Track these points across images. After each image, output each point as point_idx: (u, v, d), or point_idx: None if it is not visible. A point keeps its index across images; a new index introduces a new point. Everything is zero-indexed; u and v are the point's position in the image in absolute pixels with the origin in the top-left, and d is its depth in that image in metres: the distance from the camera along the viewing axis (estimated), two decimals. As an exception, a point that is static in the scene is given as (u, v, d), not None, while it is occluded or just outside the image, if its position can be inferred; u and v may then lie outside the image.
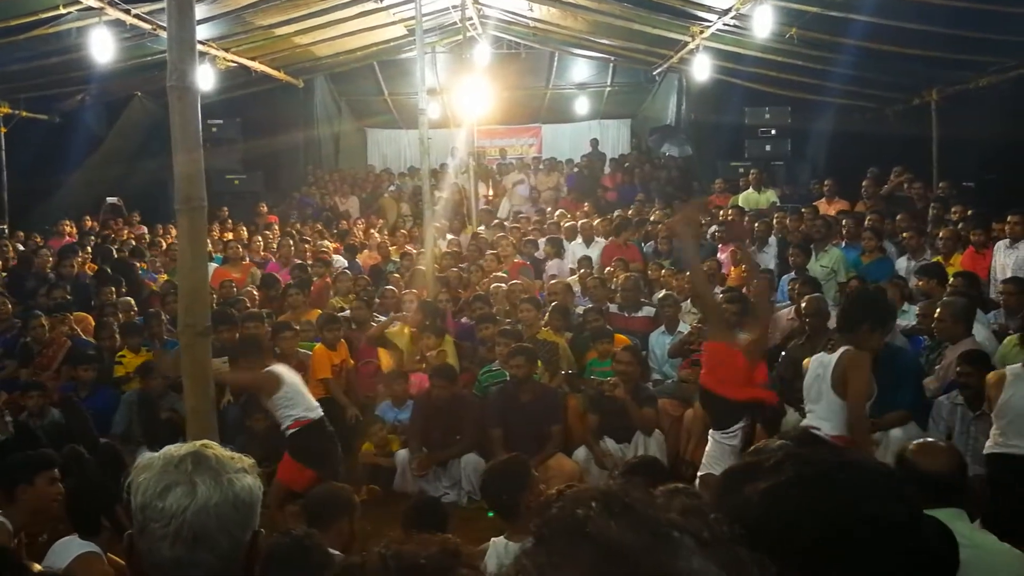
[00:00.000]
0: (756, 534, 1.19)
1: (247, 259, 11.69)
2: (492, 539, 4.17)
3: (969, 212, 9.89)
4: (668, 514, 0.88)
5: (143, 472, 1.63)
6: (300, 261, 11.23)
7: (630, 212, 14.05)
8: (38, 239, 12.80)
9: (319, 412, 6.17)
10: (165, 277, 11.03)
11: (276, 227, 14.52)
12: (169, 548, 1.58)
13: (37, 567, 3.45)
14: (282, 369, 6.25)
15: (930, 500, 3.09)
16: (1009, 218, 8.57)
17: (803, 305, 7.62)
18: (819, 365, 5.14)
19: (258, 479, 1.70)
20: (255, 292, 9.90)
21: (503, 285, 9.61)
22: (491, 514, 4.72)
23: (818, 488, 1.19)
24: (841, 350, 5.00)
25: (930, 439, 3.68)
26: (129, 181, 15.87)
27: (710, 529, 0.88)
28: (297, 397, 6.09)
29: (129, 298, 9.41)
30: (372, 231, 14.59)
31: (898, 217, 10.37)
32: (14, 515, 4.35)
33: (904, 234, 9.61)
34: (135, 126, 15.47)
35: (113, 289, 9.68)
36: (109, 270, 10.76)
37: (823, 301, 7.71)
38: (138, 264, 11.59)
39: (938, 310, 6.73)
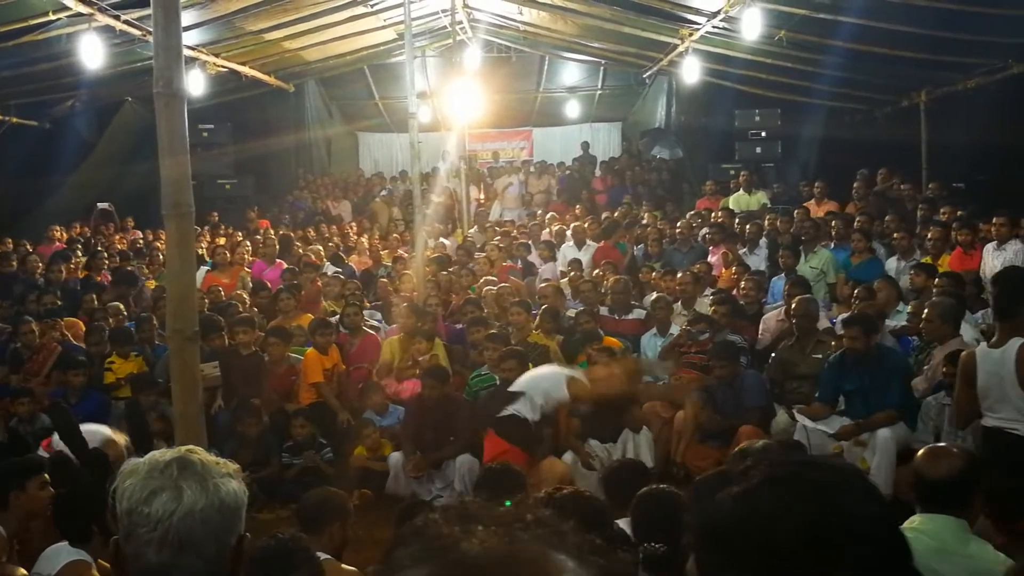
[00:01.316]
0: (730, 538, 1.21)
1: (236, 264, 11.68)
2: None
3: (959, 213, 9.94)
4: (497, 511, 0.93)
5: (128, 477, 1.64)
6: (290, 265, 11.23)
7: (616, 214, 14.10)
8: (27, 245, 12.78)
9: None
10: (153, 283, 11.02)
11: (270, 231, 14.51)
12: (156, 553, 1.59)
13: (23, 572, 3.45)
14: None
15: (936, 505, 3.10)
16: (995, 220, 8.64)
17: (792, 306, 7.66)
18: (991, 363, 4.82)
19: (242, 484, 1.72)
20: (245, 295, 9.90)
21: (493, 288, 9.64)
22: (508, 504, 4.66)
23: (789, 488, 1.21)
24: (1016, 343, 4.70)
25: (942, 443, 3.65)
26: (120, 186, 15.84)
27: (533, 513, 0.93)
28: None
29: (118, 303, 9.41)
30: (362, 236, 14.58)
31: (887, 218, 10.42)
32: (8, 521, 4.35)
33: (895, 235, 9.65)
34: (126, 131, 15.44)
35: (95, 296, 9.66)
36: (113, 278, 10.75)
37: (812, 302, 7.75)
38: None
39: (926, 310, 6.77)
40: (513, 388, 6.39)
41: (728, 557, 1.20)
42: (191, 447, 1.74)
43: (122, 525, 1.62)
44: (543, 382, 6.35)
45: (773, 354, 7.78)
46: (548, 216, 14.84)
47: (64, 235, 13.64)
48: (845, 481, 1.23)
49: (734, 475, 1.26)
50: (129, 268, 11.25)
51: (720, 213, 12.42)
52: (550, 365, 6.96)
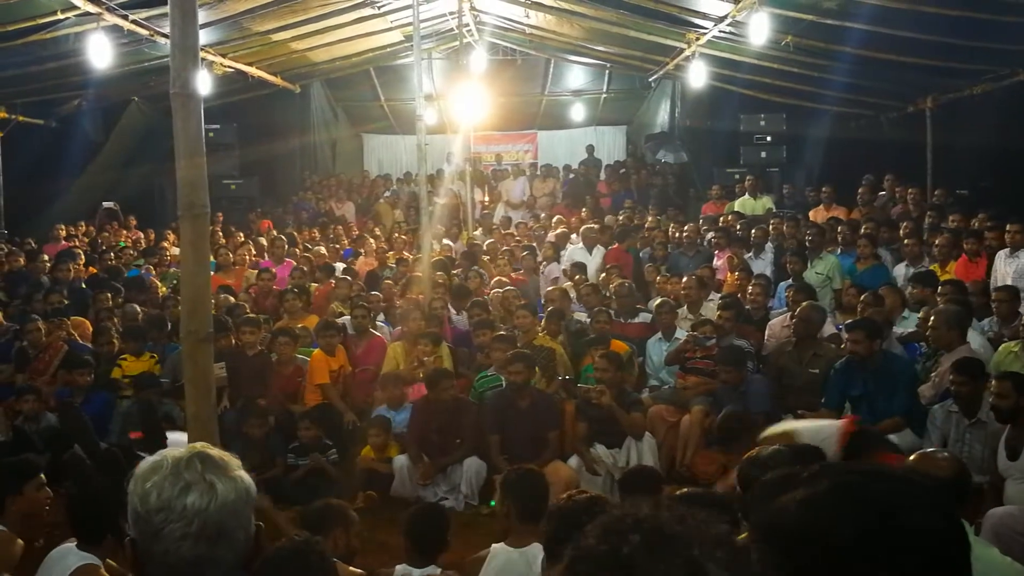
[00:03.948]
0: (793, 542, 1.22)
1: (239, 265, 11.71)
2: (492, 545, 4.18)
3: (975, 220, 9.90)
4: (704, 547, 0.90)
5: (151, 476, 1.66)
6: (297, 265, 11.24)
7: (621, 218, 14.10)
8: (32, 243, 12.79)
9: None
10: (158, 283, 11.03)
11: (272, 232, 14.52)
12: (191, 547, 1.61)
13: None
14: None
15: None
16: (1008, 227, 8.60)
17: (797, 309, 7.66)
18: None
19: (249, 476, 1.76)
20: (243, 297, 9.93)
21: (499, 291, 9.66)
22: (492, 504, 4.60)
23: (855, 496, 1.22)
24: None
25: (930, 449, 3.71)
26: (125, 186, 15.88)
27: (738, 560, 0.91)
28: None
29: (135, 304, 9.42)
30: (367, 237, 14.54)
31: (903, 224, 10.38)
32: (7, 524, 4.35)
33: (906, 241, 9.64)
34: (133, 131, 15.47)
35: (109, 295, 9.67)
36: (105, 275, 10.79)
37: (816, 309, 7.72)
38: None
39: (931, 318, 6.76)
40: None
41: (789, 560, 1.21)
42: (203, 444, 1.79)
43: (149, 523, 1.63)
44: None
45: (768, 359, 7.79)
46: (555, 219, 14.84)
47: (66, 233, 13.66)
48: (911, 493, 1.24)
49: (801, 479, 1.27)
50: (112, 264, 11.35)
51: (730, 217, 12.43)
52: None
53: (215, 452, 1.73)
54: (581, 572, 0.89)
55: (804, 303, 7.67)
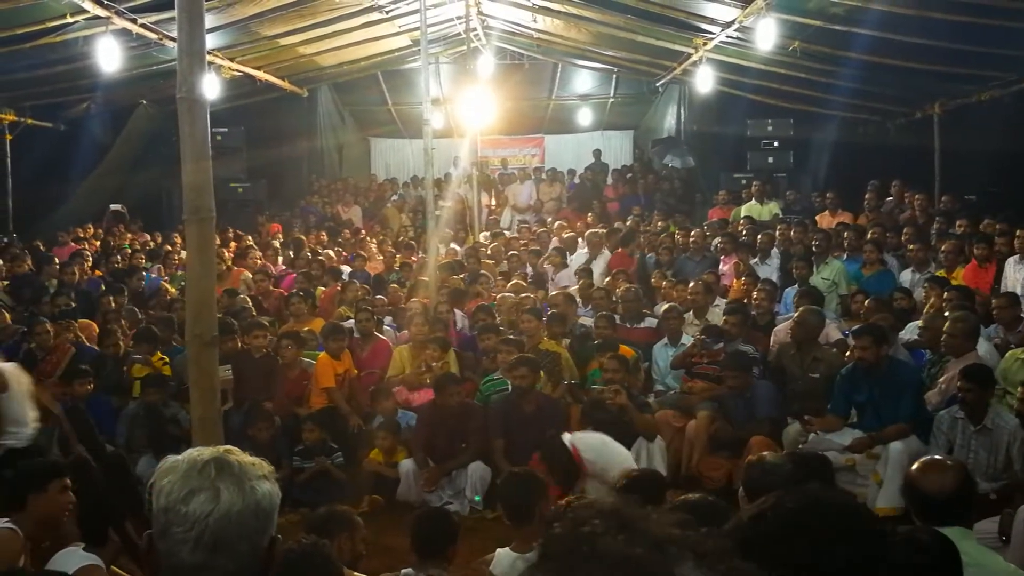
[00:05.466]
0: (746, 554, 1.23)
1: (234, 268, 11.73)
2: (497, 550, 4.18)
3: (989, 223, 9.88)
4: (666, 529, 0.91)
5: (167, 475, 1.66)
6: (305, 270, 11.26)
7: (628, 222, 14.10)
8: (41, 246, 12.83)
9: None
10: (167, 285, 11.05)
11: (279, 236, 14.55)
12: (190, 553, 1.60)
13: None
14: (11, 369, 5.47)
15: (936, 518, 3.09)
16: (1019, 232, 8.57)
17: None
18: None
19: (275, 485, 1.73)
20: (247, 298, 9.93)
21: (510, 295, 9.66)
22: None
23: (835, 503, 1.23)
24: None
25: (937, 456, 3.67)
26: (132, 189, 15.94)
27: (705, 542, 0.92)
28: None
29: (133, 307, 9.43)
30: (371, 240, 14.55)
31: (905, 230, 10.37)
32: (23, 522, 4.35)
33: (911, 246, 9.62)
34: (140, 134, 15.54)
35: (112, 298, 9.68)
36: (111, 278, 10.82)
37: (813, 313, 7.68)
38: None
39: (947, 325, 6.70)
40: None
41: (775, 557, 1.22)
42: (228, 447, 1.75)
43: (158, 522, 1.64)
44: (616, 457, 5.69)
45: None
46: (558, 224, 14.85)
47: (76, 236, 13.70)
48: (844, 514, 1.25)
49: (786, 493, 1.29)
50: (119, 267, 11.38)
51: (742, 221, 12.42)
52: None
53: (237, 458, 1.70)
54: (549, 555, 0.92)
55: (800, 309, 7.66)
